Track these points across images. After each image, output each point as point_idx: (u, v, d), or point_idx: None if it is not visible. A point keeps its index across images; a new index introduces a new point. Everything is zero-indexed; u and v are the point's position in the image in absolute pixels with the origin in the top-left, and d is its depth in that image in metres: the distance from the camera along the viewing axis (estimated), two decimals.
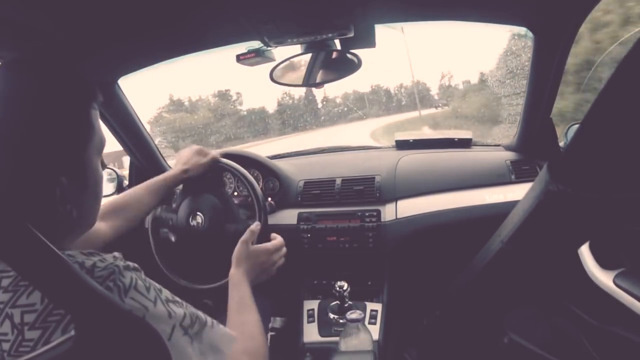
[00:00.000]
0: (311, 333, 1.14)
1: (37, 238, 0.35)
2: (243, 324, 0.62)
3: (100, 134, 0.49)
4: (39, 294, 0.38)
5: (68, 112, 0.45)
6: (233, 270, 0.72)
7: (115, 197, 0.90)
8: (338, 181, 1.26)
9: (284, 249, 0.82)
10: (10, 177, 0.41)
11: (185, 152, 1.01)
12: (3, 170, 0.41)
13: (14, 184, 0.41)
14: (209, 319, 0.48)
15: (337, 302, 1.13)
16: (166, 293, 0.45)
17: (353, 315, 0.90)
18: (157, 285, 0.44)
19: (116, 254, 0.44)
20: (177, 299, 0.46)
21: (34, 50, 0.74)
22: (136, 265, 0.44)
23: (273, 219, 1.22)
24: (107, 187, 1.35)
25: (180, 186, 1.20)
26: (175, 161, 1.01)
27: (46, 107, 0.43)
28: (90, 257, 0.41)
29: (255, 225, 0.81)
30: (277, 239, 0.82)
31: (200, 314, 0.47)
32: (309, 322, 1.17)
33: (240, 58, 0.91)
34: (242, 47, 0.91)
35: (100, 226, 0.80)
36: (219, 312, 0.72)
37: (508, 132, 1.92)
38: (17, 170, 0.42)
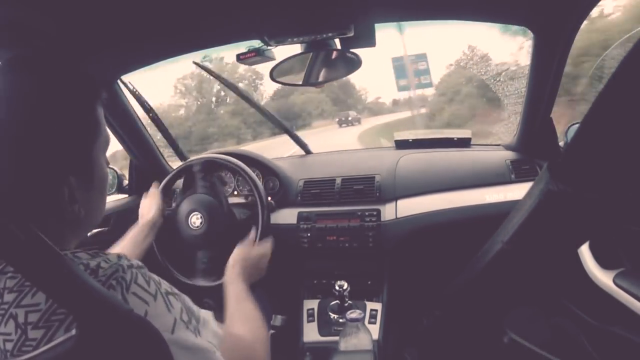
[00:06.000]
0: (311, 332, 1.14)
1: (39, 238, 0.35)
2: (241, 310, 0.68)
3: (106, 132, 0.49)
4: (43, 294, 0.38)
5: (76, 110, 0.45)
6: (229, 271, 0.81)
7: None
8: (338, 180, 1.26)
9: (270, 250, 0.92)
10: (17, 177, 0.41)
11: (143, 205, 1.04)
12: (9, 170, 0.41)
13: (21, 184, 0.41)
14: (200, 316, 0.47)
15: (337, 301, 1.13)
16: (165, 285, 0.45)
17: (353, 314, 0.90)
18: (156, 277, 0.44)
19: (121, 253, 0.44)
20: (175, 290, 0.46)
21: (34, 49, 0.74)
22: (140, 263, 0.44)
23: (273, 219, 1.22)
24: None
25: (180, 186, 1.20)
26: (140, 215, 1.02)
27: (53, 105, 0.42)
28: (94, 258, 0.41)
29: (253, 234, 0.94)
30: (267, 242, 0.93)
31: (194, 309, 0.47)
32: (308, 321, 1.17)
33: (240, 57, 0.91)
34: (242, 47, 0.91)
35: None
36: (220, 311, 0.72)
37: None
38: (24, 170, 0.41)
